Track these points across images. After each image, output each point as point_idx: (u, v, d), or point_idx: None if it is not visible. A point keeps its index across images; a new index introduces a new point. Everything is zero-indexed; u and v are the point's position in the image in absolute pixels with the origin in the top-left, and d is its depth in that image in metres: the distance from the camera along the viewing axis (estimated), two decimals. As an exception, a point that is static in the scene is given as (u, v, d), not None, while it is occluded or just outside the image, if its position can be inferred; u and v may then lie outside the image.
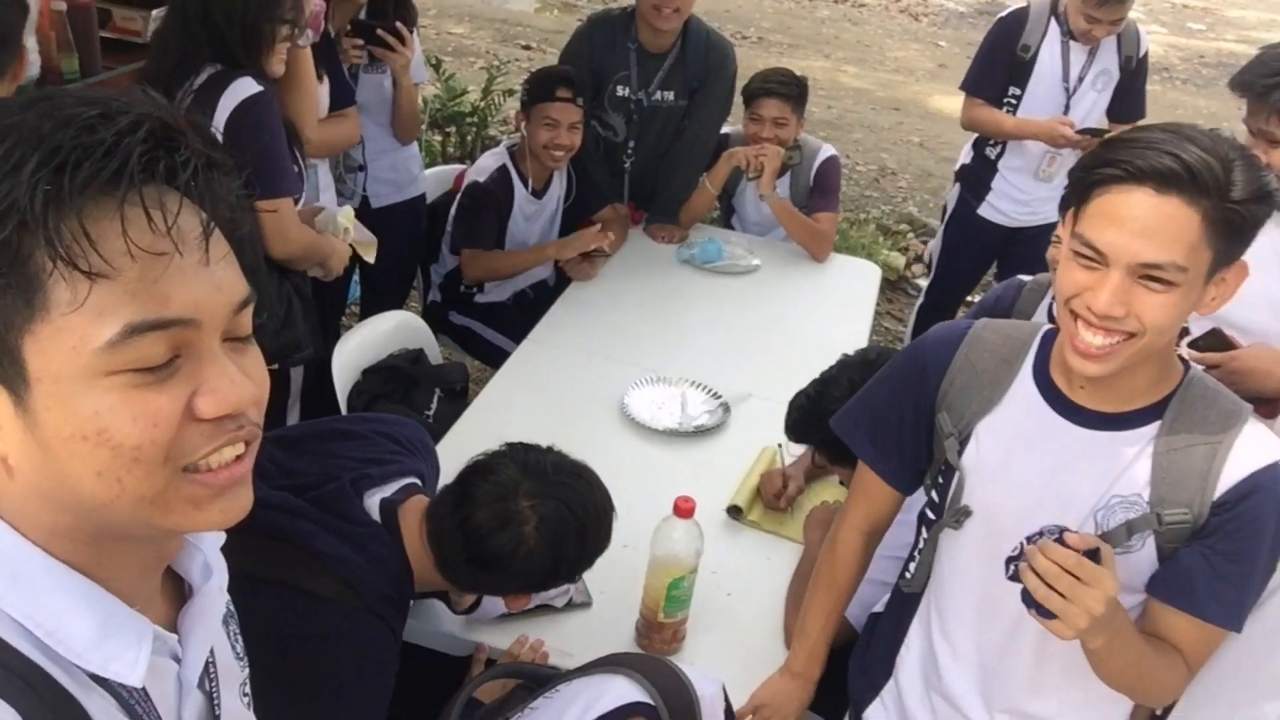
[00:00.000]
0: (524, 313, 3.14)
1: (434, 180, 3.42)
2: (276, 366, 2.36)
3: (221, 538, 0.85)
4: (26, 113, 0.61)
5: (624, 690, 1.41)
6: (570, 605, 1.87)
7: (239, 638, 0.91)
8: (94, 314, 0.61)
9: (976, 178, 3.59)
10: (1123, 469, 1.33)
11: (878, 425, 1.56)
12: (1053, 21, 3.32)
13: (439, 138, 5.54)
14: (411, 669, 1.78)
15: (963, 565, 1.48)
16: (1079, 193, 1.24)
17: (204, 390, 0.66)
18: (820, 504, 2.16)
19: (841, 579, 1.67)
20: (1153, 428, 1.33)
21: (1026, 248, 3.40)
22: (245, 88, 2.13)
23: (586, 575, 1.91)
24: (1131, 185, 1.18)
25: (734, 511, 2.16)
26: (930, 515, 1.53)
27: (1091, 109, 3.35)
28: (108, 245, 0.61)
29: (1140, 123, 1.31)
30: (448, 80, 5.61)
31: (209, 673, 0.81)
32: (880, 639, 1.67)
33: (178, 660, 0.78)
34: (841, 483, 2.28)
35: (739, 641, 1.88)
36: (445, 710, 1.52)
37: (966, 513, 1.44)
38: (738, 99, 3.45)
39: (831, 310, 3.15)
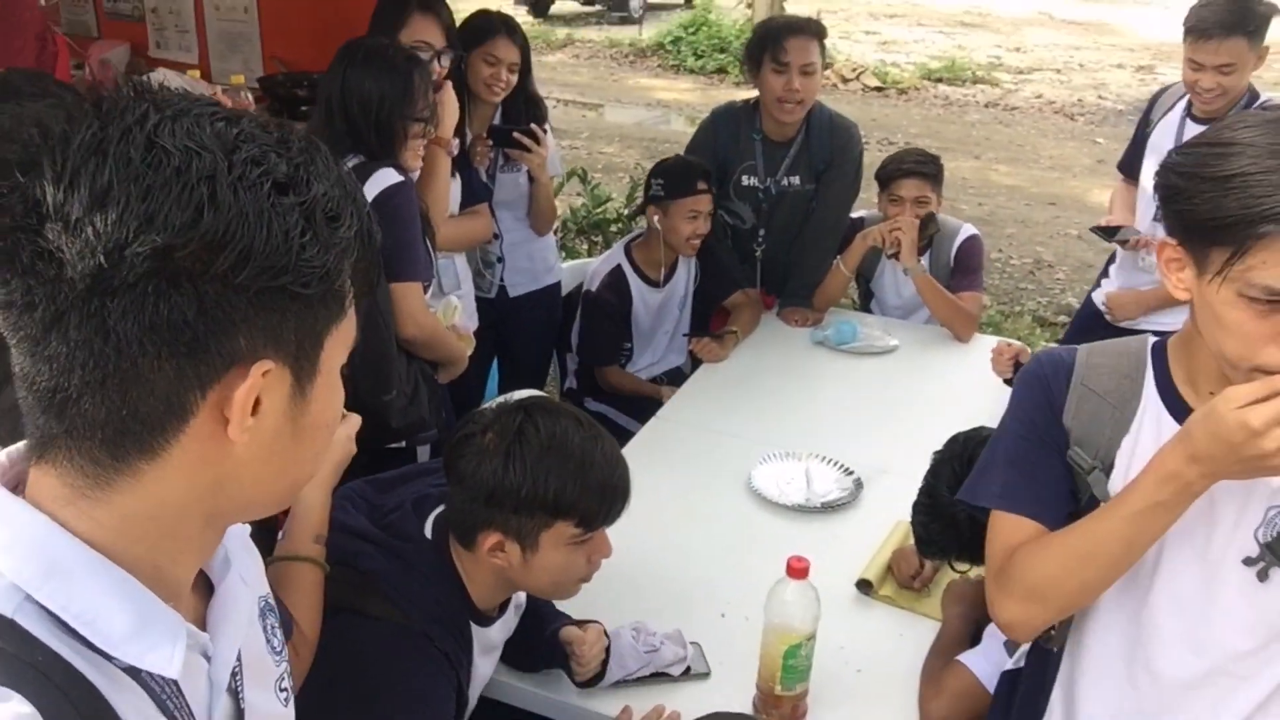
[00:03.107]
0: (658, 400, 3.13)
1: (572, 272, 3.50)
2: (404, 444, 2.42)
3: (245, 530, 0.86)
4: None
5: None
6: (688, 674, 1.79)
7: (276, 632, 0.89)
8: (351, 318, 0.75)
9: (1107, 263, 3.44)
10: (1265, 479, 1.19)
11: (1017, 471, 1.36)
12: (1183, 100, 3.16)
13: (585, 246, 5.71)
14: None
15: (1102, 615, 1.34)
16: (1236, 242, 1.11)
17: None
18: (960, 577, 2.01)
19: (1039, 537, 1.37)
20: None
21: None
22: (387, 178, 2.25)
23: (705, 645, 1.84)
24: None
25: (864, 586, 2.05)
26: None
27: None
28: None
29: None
30: (593, 190, 5.80)
31: (236, 673, 0.80)
32: (1024, 701, 1.50)
33: (208, 658, 0.77)
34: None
35: (869, 720, 1.75)
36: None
37: None
38: (867, 179, 3.42)
39: (974, 389, 3.00)
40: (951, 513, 1.83)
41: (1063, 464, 1.35)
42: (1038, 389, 1.37)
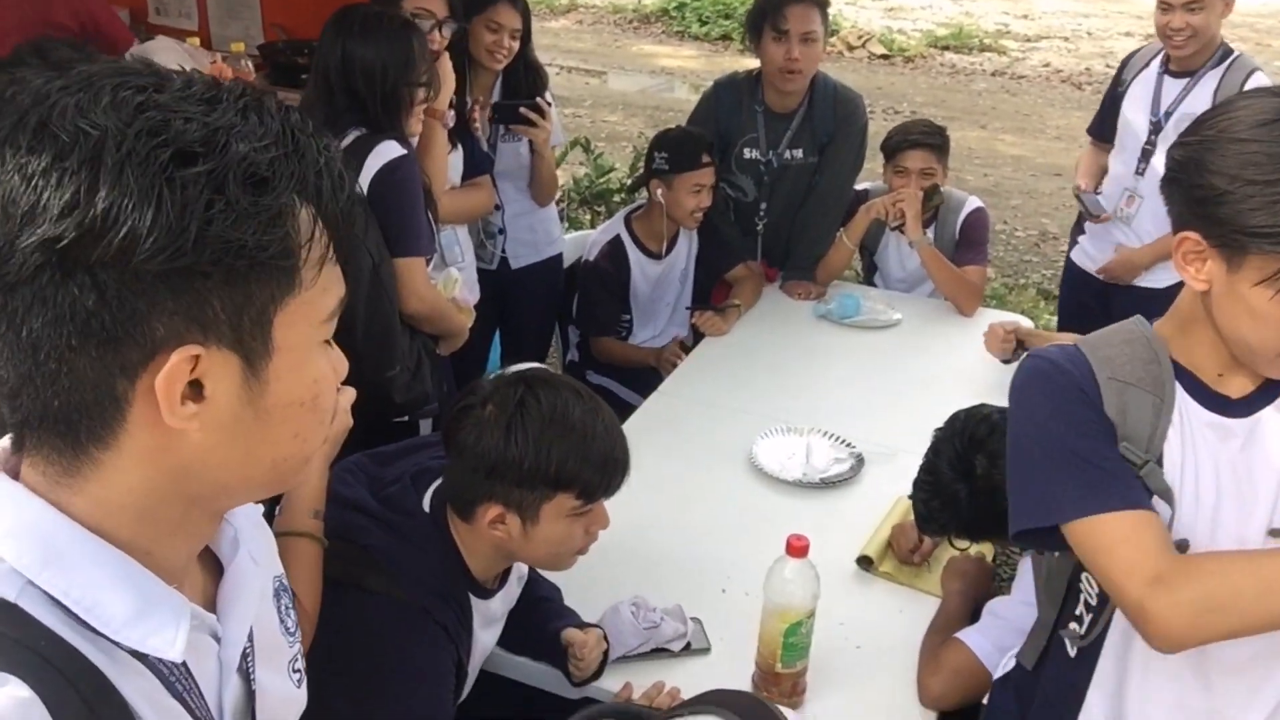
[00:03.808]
0: (658, 372, 3.12)
1: (574, 243, 3.48)
2: (407, 418, 2.42)
3: (257, 510, 0.85)
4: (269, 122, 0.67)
5: None
6: (688, 650, 1.80)
7: (290, 612, 0.89)
8: (322, 289, 0.69)
9: (1077, 220, 3.47)
10: None
11: (1098, 472, 1.23)
12: (1158, 56, 3.18)
13: (588, 216, 5.68)
14: (527, 706, 1.76)
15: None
16: (1274, 241, 1.10)
17: (336, 358, 0.76)
18: (960, 554, 2.01)
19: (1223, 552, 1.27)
20: None
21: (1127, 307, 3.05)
22: (389, 151, 2.24)
23: (706, 620, 1.85)
24: None
25: (864, 562, 2.05)
26: None
27: None
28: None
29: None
30: (596, 159, 5.76)
31: (246, 654, 0.80)
32: (1049, 708, 1.44)
33: (217, 639, 0.77)
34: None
35: (868, 696, 1.76)
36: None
37: (1185, 547, 1.24)
38: (873, 153, 3.39)
39: (977, 364, 2.99)
40: (952, 490, 1.83)
41: (1118, 454, 1.25)
42: (1066, 383, 1.27)
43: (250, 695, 0.80)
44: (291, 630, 0.90)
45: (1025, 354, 1.37)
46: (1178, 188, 1.19)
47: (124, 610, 0.67)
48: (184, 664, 0.71)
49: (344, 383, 0.79)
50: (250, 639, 0.80)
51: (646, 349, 3.25)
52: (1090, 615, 1.36)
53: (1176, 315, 1.29)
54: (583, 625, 1.75)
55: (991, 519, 1.79)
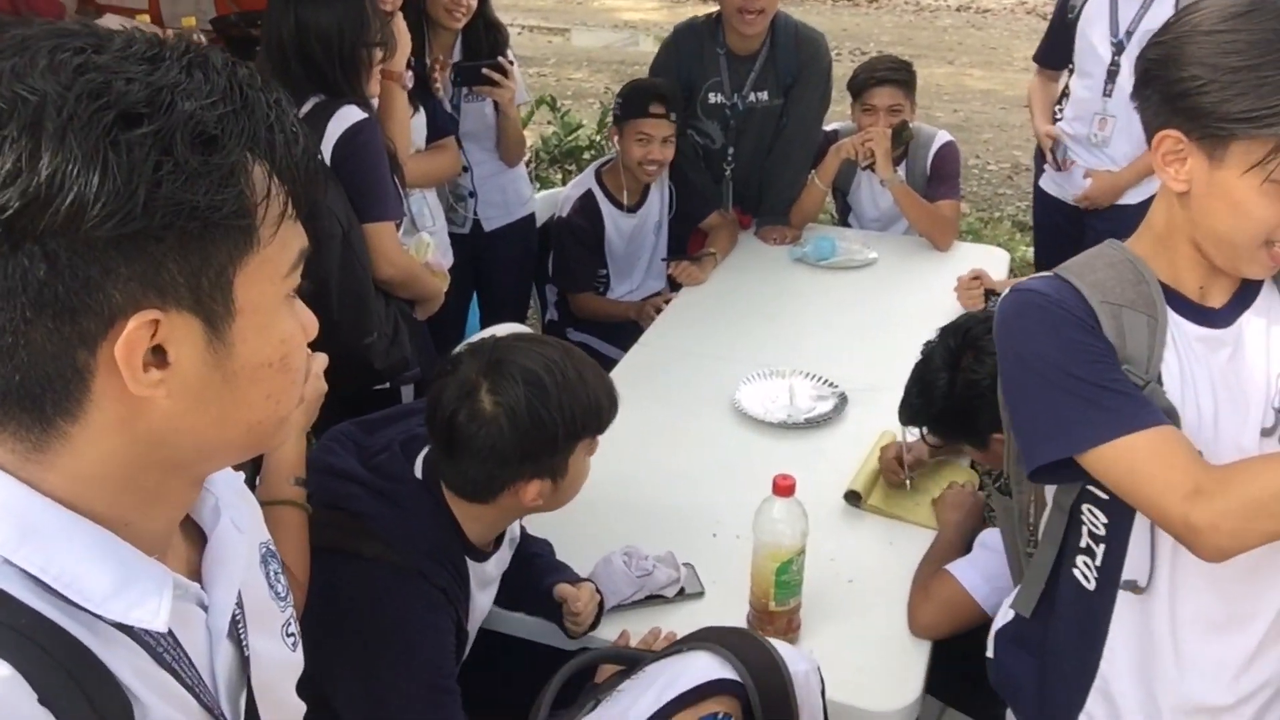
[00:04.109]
0: (640, 325, 3.12)
1: (545, 202, 3.46)
2: (388, 385, 2.41)
3: (238, 478, 0.84)
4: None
5: (707, 667, 1.33)
6: (682, 595, 1.82)
7: (279, 577, 0.89)
8: (281, 245, 0.68)
9: (1040, 149, 3.45)
10: (1267, 348, 1.23)
11: (1114, 396, 1.20)
12: None
13: (558, 175, 5.64)
14: (526, 661, 1.77)
15: (1159, 532, 1.27)
16: (1273, 138, 1.10)
17: (305, 317, 0.74)
18: (951, 486, 2.03)
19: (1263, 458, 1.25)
20: (1265, 294, 1.26)
21: (1102, 229, 2.94)
22: (350, 115, 2.20)
23: (698, 565, 1.86)
24: None
25: (852, 497, 2.06)
26: (1099, 492, 1.28)
27: None
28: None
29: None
30: (563, 117, 5.72)
31: (237, 620, 0.79)
32: (1061, 654, 1.41)
33: (205, 608, 0.76)
34: (973, 465, 2.16)
35: (862, 628, 1.78)
36: (540, 693, 1.48)
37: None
38: (840, 94, 3.37)
39: (955, 297, 3.00)
40: (934, 378, 1.87)
41: (1124, 375, 1.22)
42: (1060, 311, 1.24)
43: (244, 661, 0.80)
44: (282, 595, 0.89)
45: (1007, 290, 1.35)
46: (1154, 87, 1.19)
47: (105, 583, 0.66)
48: (171, 634, 0.71)
49: (321, 351, 0.78)
50: (240, 605, 0.80)
51: (626, 303, 3.24)
52: (1103, 545, 1.33)
53: (1150, 233, 1.29)
54: (575, 580, 1.76)
55: (962, 417, 1.84)
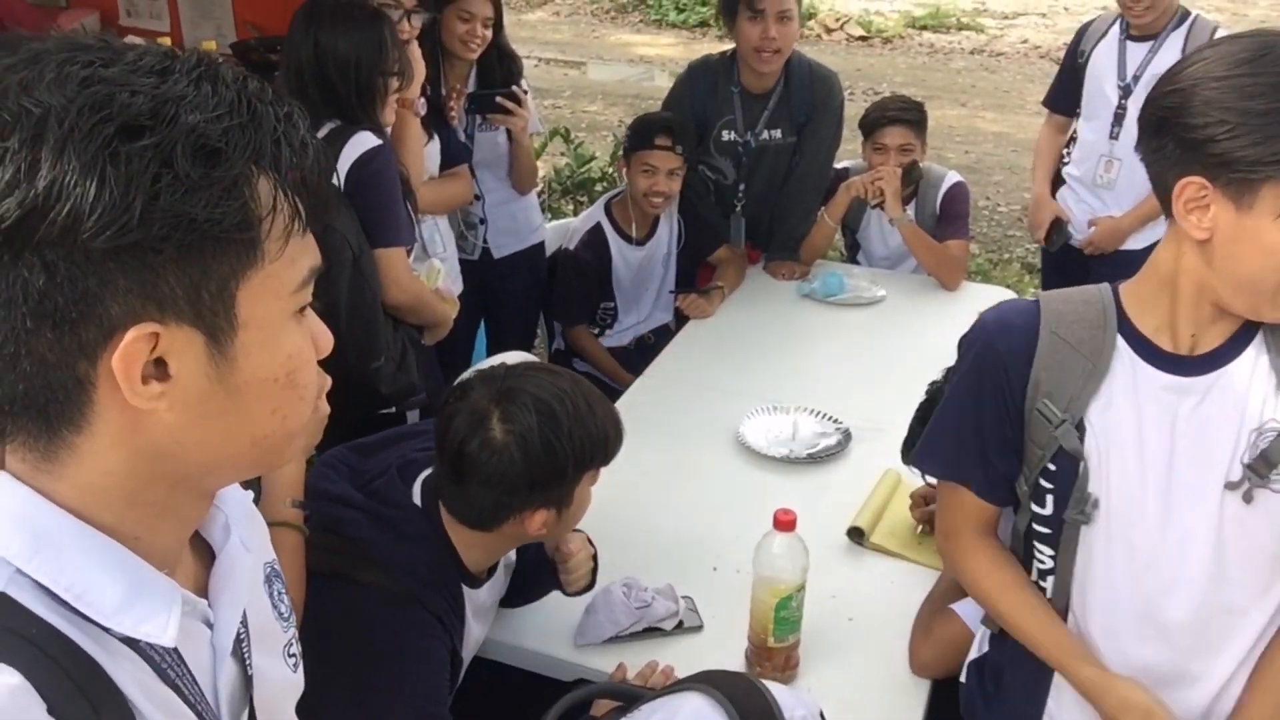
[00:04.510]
0: (645, 357, 3.11)
1: (555, 232, 3.48)
2: (394, 409, 2.41)
3: (248, 497, 0.84)
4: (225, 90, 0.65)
5: (698, 709, 1.32)
6: (680, 629, 1.80)
7: (283, 598, 0.89)
8: (290, 261, 0.67)
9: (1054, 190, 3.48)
10: (1244, 402, 1.22)
11: (960, 443, 1.43)
12: (1116, 23, 3.21)
13: (570, 206, 5.67)
14: (521, 691, 1.76)
15: (1103, 573, 1.35)
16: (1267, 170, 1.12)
17: (318, 333, 0.74)
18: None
19: (1011, 569, 1.45)
20: (1255, 346, 1.24)
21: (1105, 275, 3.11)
22: (365, 141, 2.22)
23: (698, 598, 1.85)
24: None
25: (855, 534, 2.05)
26: (1040, 528, 1.39)
27: None
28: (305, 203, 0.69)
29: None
30: (576, 149, 5.75)
31: (241, 638, 0.79)
32: (1018, 667, 1.47)
33: (210, 625, 0.76)
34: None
35: (862, 667, 1.76)
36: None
37: (1094, 503, 1.31)
38: (852, 132, 3.39)
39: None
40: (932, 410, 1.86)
41: (1011, 423, 1.36)
42: (991, 356, 1.37)
43: (247, 680, 0.80)
44: (285, 615, 0.89)
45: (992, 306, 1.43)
46: (1169, 135, 1.18)
47: (115, 597, 0.66)
48: (175, 650, 0.71)
49: (328, 374, 0.77)
50: (245, 624, 0.80)
51: (611, 360, 3.21)
52: (1051, 579, 1.41)
53: (1152, 277, 1.30)
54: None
55: None
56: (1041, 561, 1.42)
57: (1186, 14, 3.14)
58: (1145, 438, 1.28)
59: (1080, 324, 1.31)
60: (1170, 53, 3.08)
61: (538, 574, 1.77)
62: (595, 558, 1.77)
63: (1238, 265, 1.18)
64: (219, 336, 0.65)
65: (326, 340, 0.75)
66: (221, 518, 0.80)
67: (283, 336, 0.69)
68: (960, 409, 1.43)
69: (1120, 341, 1.30)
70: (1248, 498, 1.24)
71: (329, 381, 0.78)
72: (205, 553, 0.80)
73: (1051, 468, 1.34)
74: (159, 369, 0.64)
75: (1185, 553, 1.29)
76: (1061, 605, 1.41)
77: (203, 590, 0.77)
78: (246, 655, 0.80)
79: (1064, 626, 1.39)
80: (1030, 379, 1.33)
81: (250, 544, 0.82)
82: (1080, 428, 1.31)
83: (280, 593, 0.89)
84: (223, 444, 0.69)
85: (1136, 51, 3.14)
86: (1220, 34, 3.05)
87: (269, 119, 0.65)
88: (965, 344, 1.43)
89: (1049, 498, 1.36)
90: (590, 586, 1.76)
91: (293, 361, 0.70)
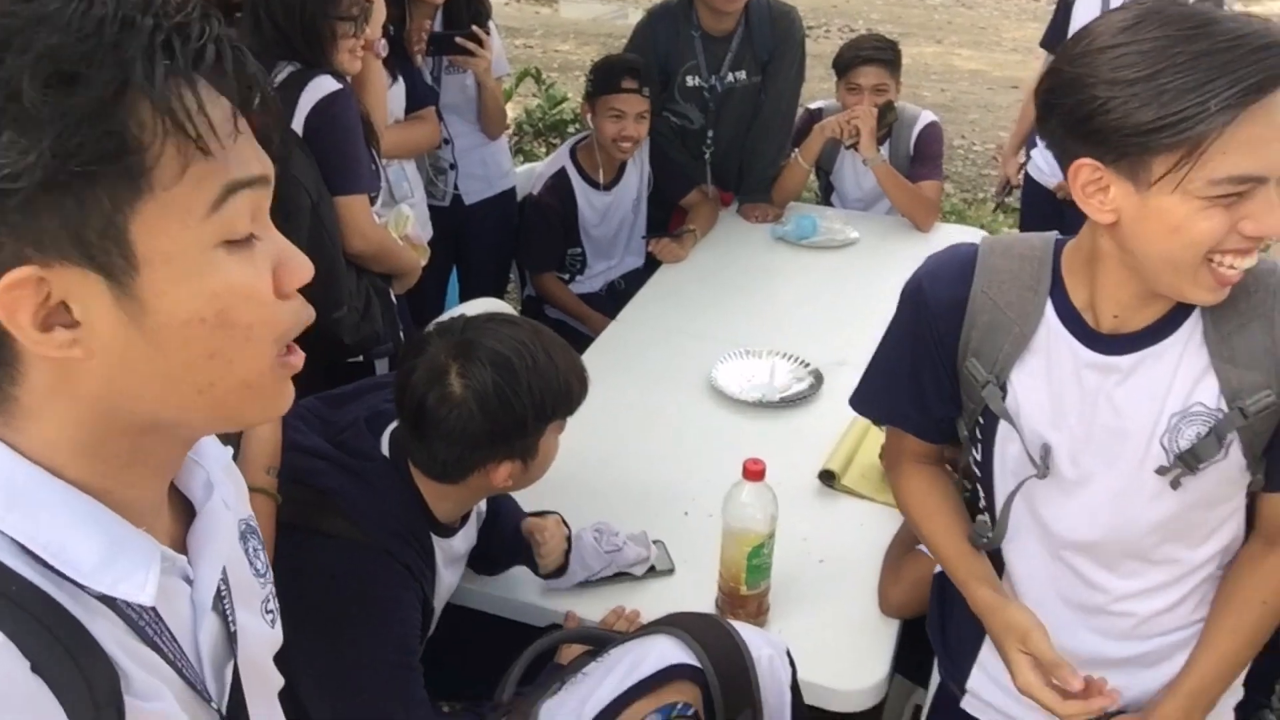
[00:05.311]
0: (617, 302, 3.10)
1: (524, 176, 3.43)
2: (361, 359, 2.39)
3: (227, 453, 0.82)
4: None
5: (666, 651, 1.33)
6: (651, 573, 1.81)
7: (259, 554, 0.87)
8: (194, 183, 0.61)
9: (1030, 135, 3.48)
10: (1169, 384, 1.21)
11: (893, 387, 1.43)
12: None
13: (542, 148, 5.60)
14: (495, 637, 1.77)
15: (1019, 530, 1.37)
16: (1187, 143, 1.05)
17: (284, 262, 0.67)
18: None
19: (938, 495, 1.49)
20: (1189, 325, 1.21)
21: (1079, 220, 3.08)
22: (324, 85, 2.16)
23: (670, 543, 1.86)
24: (1272, 91, 1.03)
25: (826, 477, 2.06)
26: (976, 470, 1.40)
27: None
28: (211, 116, 0.61)
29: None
30: (548, 90, 5.67)
31: (222, 594, 0.78)
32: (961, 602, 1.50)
33: (189, 582, 0.75)
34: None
35: (832, 609, 1.78)
36: (506, 672, 1.47)
37: (1014, 459, 1.33)
38: (827, 71, 3.35)
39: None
40: None
41: (946, 375, 1.36)
42: (925, 302, 1.34)
43: (230, 635, 0.78)
44: (261, 571, 0.88)
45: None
46: (1056, 117, 1.13)
47: (93, 555, 0.64)
48: (153, 608, 0.69)
49: None
50: (225, 580, 0.78)
51: (582, 304, 3.18)
52: (982, 515, 1.43)
53: (1080, 252, 1.26)
54: (538, 515, 1.76)
55: None
56: (979, 500, 1.44)
57: None
58: (1064, 410, 1.26)
59: (1013, 284, 1.28)
60: None
61: (512, 554, 1.77)
62: (569, 539, 1.76)
63: (1149, 246, 1.12)
64: (118, 276, 0.60)
65: (295, 271, 0.68)
66: (203, 474, 0.78)
67: (205, 270, 0.62)
68: (894, 356, 1.43)
69: (1049, 310, 1.26)
70: (1175, 485, 1.23)
71: (303, 321, 0.70)
72: (182, 508, 0.78)
73: (981, 420, 1.35)
74: (64, 315, 0.61)
75: (1094, 521, 1.30)
76: (997, 546, 1.41)
77: (179, 546, 0.75)
78: (228, 611, 0.79)
79: (973, 551, 1.40)
80: (960, 337, 1.32)
81: (229, 501, 0.81)
82: (1004, 389, 1.30)
83: (256, 549, 0.88)
84: (165, 393, 0.65)
85: None
86: None
87: (143, 32, 0.58)
88: (904, 292, 1.41)
89: (978, 446, 1.37)
90: (563, 569, 1.76)
91: (223, 299, 0.63)
